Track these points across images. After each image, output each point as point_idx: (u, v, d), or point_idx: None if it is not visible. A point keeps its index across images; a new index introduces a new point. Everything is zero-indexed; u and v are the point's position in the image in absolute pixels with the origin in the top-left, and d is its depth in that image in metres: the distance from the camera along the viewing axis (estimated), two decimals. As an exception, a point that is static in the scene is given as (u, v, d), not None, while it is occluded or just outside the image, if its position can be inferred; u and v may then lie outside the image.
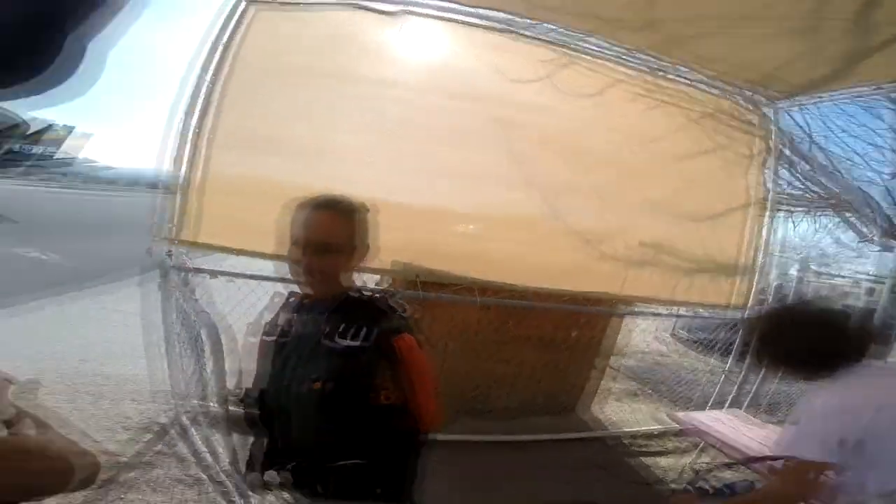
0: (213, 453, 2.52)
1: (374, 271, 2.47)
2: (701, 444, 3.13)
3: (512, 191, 2.72)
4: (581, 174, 2.79)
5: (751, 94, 3.03)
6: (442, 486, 2.35)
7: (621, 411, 3.91)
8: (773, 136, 3.16)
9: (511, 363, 3.33)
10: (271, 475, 1.27)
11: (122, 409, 3.03)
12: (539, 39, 2.66)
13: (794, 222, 3.50)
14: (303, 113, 2.49)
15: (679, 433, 3.56)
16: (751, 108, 3.09)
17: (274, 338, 1.17)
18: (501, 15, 2.58)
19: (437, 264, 2.59)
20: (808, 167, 3.12)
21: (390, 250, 2.30)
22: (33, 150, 23.27)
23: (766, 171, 3.17)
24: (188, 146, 2.41)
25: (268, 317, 1.24)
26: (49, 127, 23.50)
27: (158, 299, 2.61)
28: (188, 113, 2.39)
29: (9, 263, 7.23)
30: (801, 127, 3.16)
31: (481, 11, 2.56)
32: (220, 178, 2.45)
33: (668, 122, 2.91)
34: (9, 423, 0.45)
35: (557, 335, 3.32)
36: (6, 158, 22.41)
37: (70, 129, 24.35)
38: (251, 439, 1.27)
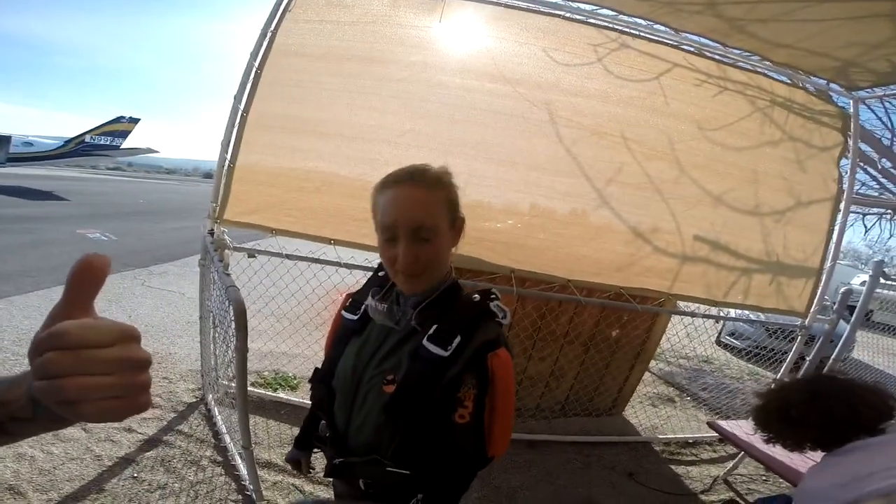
0: (233, 435, 2.53)
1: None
2: (740, 455, 3.05)
3: (559, 178, 2.58)
4: (635, 163, 2.62)
5: (827, 82, 2.76)
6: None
7: (656, 417, 3.80)
8: (850, 130, 2.86)
9: (546, 361, 3.24)
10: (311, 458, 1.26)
11: (153, 387, 3.05)
12: (589, 23, 2.52)
13: (865, 225, 3.18)
14: (340, 97, 2.46)
15: (714, 443, 3.53)
16: (826, 98, 2.82)
17: (355, 317, 1.05)
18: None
19: (478, 252, 2.48)
20: (889, 166, 2.81)
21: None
22: (102, 141, 24.81)
23: (841, 167, 2.89)
24: (234, 131, 2.45)
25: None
26: (117, 119, 25.11)
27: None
28: (237, 98, 2.43)
29: (74, 244, 7.76)
30: (883, 122, 2.85)
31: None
32: (258, 160, 2.47)
33: (731, 111, 2.69)
34: None
35: (597, 334, 3.20)
36: (79, 149, 24.18)
37: (136, 121, 25.80)
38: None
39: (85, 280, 0.39)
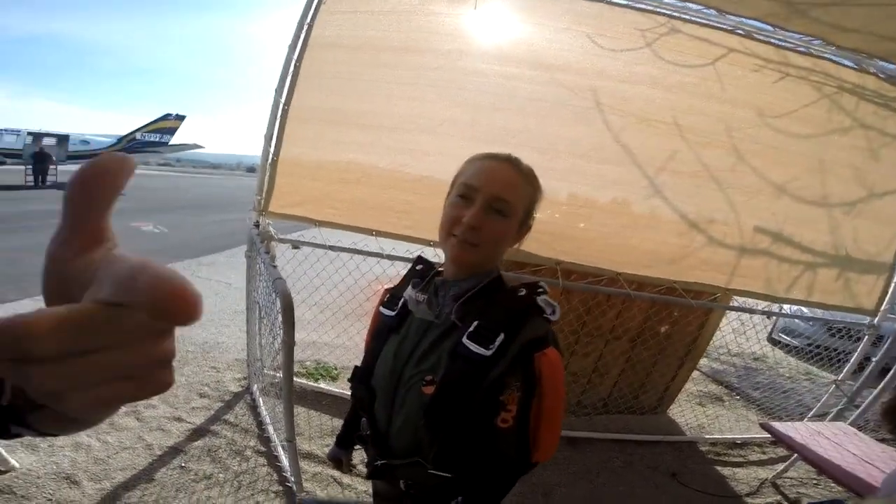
0: (276, 426, 2.58)
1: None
2: (792, 458, 2.88)
3: (607, 167, 2.48)
4: (689, 150, 2.48)
5: None
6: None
7: (703, 416, 3.64)
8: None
9: (590, 357, 3.15)
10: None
11: (201, 376, 3.20)
12: (636, 7, 2.39)
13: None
14: (378, 88, 2.44)
15: (764, 444, 3.35)
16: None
17: (393, 312, 1.01)
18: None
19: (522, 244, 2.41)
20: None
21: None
22: (152, 138, 26.05)
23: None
24: (276, 124, 2.48)
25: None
26: (164, 116, 26.29)
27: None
28: (277, 91, 2.46)
29: (129, 236, 8.20)
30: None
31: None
32: (300, 153, 2.49)
33: (794, 97, 2.50)
34: None
35: (646, 329, 3.07)
36: (131, 146, 25.50)
37: (182, 118, 26.90)
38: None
39: (95, 192, 0.27)
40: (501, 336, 0.83)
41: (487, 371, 0.82)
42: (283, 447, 2.39)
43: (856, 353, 3.03)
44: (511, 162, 0.92)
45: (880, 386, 2.86)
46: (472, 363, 0.83)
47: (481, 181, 0.88)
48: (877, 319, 2.83)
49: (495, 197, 0.87)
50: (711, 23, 2.42)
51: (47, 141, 20.57)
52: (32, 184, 16.18)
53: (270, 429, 2.63)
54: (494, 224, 0.88)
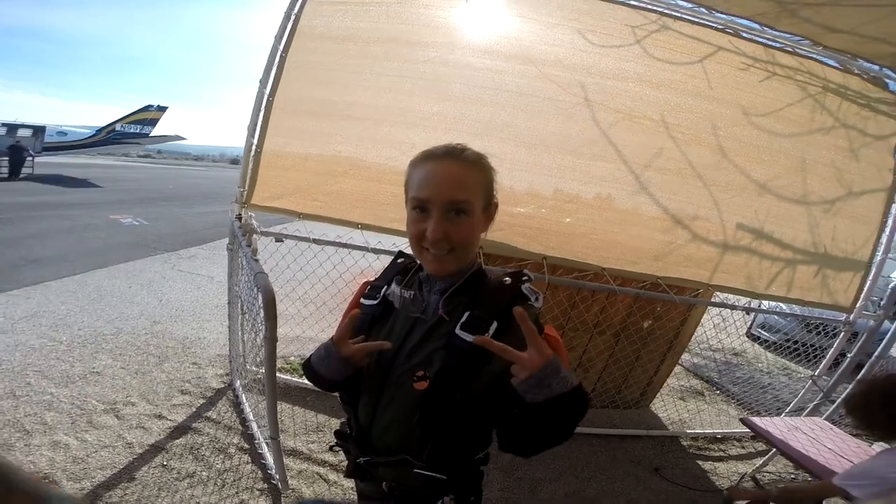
0: (259, 422, 2.54)
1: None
2: (771, 453, 2.97)
3: (594, 163, 2.49)
4: (675, 148, 2.50)
5: (879, 68, 2.57)
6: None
7: (685, 411, 3.71)
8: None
9: (575, 351, 3.18)
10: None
11: (182, 372, 3.15)
12: (628, 4, 2.40)
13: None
14: (366, 80, 2.41)
15: (743, 439, 3.44)
16: (883, 86, 2.63)
17: (374, 302, 0.98)
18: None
19: (508, 238, 2.43)
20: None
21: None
22: (132, 130, 25.45)
23: (896, 156, 2.73)
24: (261, 115, 2.43)
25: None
26: (145, 108, 25.70)
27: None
28: (262, 83, 2.41)
29: (108, 229, 8.00)
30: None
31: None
32: (284, 144, 2.45)
33: (779, 97, 2.54)
34: None
35: (630, 325, 3.11)
36: (110, 137, 24.87)
37: (164, 110, 26.33)
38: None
39: None
40: (495, 324, 0.83)
41: (486, 360, 0.81)
42: (267, 444, 2.36)
43: (832, 349, 3.09)
44: (452, 156, 0.88)
45: (854, 382, 2.94)
46: (468, 354, 0.82)
47: (431, 191, 0.85)
48: (852, 316, 2.89)
49: (449, 202, 0.85)
50: (702, 21, 2.44)
51: (22, 132, 19.94)
52: (7, 176, 15.72)
53: (254, 425, 2.59)
54: (459, 226, 0.86)
